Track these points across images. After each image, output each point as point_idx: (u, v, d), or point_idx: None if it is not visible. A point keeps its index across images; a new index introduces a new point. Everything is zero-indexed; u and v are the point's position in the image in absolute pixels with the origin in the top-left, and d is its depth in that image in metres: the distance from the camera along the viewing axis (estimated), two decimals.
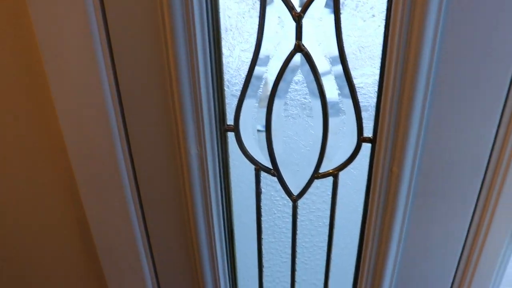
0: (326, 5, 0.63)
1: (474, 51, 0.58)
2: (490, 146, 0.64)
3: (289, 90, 0.70)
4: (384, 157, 0.66)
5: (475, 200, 0.68)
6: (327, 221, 0.77)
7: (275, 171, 0.74)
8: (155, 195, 0.79)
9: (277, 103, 0.69)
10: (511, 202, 0.67)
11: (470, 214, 0.69)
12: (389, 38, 0.59)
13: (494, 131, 0.62)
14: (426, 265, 0.75)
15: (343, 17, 0.62)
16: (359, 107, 0.66)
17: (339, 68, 0.65)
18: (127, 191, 0.77)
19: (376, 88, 0.65)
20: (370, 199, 0.70)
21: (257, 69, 0.68)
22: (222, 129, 0.73)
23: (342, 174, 0.72)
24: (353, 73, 0.65)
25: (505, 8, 0.55)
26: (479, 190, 0.67)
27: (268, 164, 0.74)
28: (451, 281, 0.77)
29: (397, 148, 0.64)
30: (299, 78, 0.69)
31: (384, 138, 0.65)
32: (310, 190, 0.75)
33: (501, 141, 0.63)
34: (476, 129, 0.63)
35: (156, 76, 0.67)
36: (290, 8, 0.63)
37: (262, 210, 0.79)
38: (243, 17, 0.68)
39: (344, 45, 0.63)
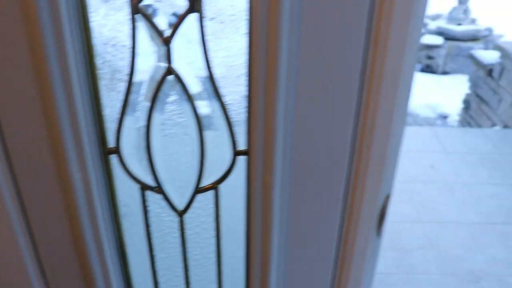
0: (193, 28, 0.67)
1: (323, 66, 0.65)
2: (349, 149, 0.71)
3: (166, 110, 0.73)
4: (257, 167, 0.71)
5: (341, 200, 0.75)
6: (213, 233, 0.81)
7: (159, 188, 0.77)
8: (44, 221, 0.78)
9: (155, 123, 0.72)
10: (373, 200, 0.75)
11: (339, 213, 0.76)
12: (251, 58, 0.64)
13: (350, 136, 0.70)
14: (306, 262, 0.82)
15: (209, 39, 0.67)
16: (231, 123, 0.71)
17: (209, 87, 0.70)
18: (14, 218, 0.76)
19: (245, 104, 0.70)
20: (249, 208, 0.75)
21: (133, 93, 0.71)
22: (104, 152, 0.74)
23: (222, 187, 0.77)
24: (223, 91, 0.70)
25: (345, 31, 0.62)
26: (344, 191, 0.74)
27: (152, 183, 0.77)
28: (330, 273, 0.84)
29: (267, 158, 0.70)
30: (173, 98, 0.72)
31: (256, 150, 0.70)
32: (194, 204, 0.78)
33: (358, 144, 0.71)
34: (334, 135, 0.70)
35: (32, 104, 0.67)
36: (159, 32, 0.66)
37: (151, 227, 0.82)
38: (116, 44, 0.71)
39: (212, 65, 0.68)
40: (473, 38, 8.28)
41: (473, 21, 8.82)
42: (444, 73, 8.45)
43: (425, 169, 3.57)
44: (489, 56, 4.97)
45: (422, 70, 8.54)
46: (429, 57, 8.36)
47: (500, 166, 3.61)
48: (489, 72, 4.93)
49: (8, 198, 0.73)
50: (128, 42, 0.67)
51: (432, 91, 7.59)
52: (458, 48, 8.29)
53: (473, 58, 5.28)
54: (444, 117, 6.89)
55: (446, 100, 7.04)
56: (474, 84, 5.33)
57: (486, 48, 8.40)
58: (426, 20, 8.77)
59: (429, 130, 4.09)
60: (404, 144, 0.77)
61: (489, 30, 8.37)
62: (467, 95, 5.50)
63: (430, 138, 3.96)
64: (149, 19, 0.66)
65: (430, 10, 9.82)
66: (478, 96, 5.20)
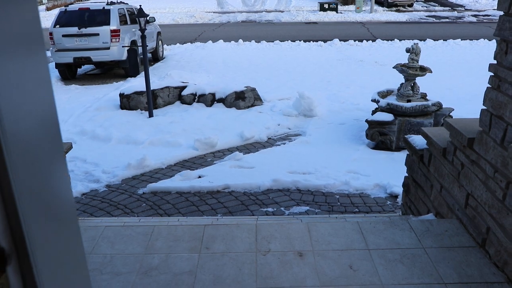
0: None
1: None
2: None
3: None
4: None
5: None
6: None
7: None
8: None
9: None
10: None
11: None
12: None
13: None
14: None
15: None
16: None
17: None
18: None
19: None
20: None
21: None
22: None
23: None
24: None
25: None
26: None
27: None
28: None
29: None
30: None
31: None
32: None
33: None
34: None
35: None
36: None
37: None
38: None
39: None
40: (423, 113, 8.45)
41: (423, 96, 9.05)
42: (398, 148, 8.53)
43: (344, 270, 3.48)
44: (420, 142, 5.03)
45: (376, 147, 8.62)
46: (382, 134, 8.47)
47: (420, 262, 3.53)
48: (421, 157, 4.96)
49: None
50: None
51: (383, 169, 7.61)
52: (409, 123, 8.44)
53: (406, 143, 5.34)
54: (394, 196, 6.87)
55: (397, 179, 7.03)
56: (410, 168, 5.36)
57: (437, 123, 8.56)
58: (377, 97, 8.99)
59: (352, 224, 4.04)
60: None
61: (439, 105, 8.57)
62: (406, 178, 5.51)
63: (352, 233, 3.90)
64: None
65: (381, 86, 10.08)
66: (414, 180, 5.21)
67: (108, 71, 17.46)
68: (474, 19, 33.71)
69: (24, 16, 0.73)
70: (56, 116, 0.81)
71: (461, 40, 22.47)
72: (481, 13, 37.30)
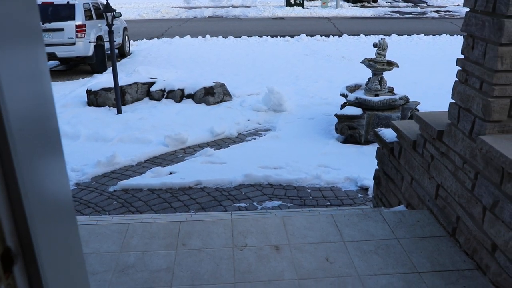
0: None
1: None
2: None
3: None
4: None
5: None
6: None
7: None
8: None
9: None
10: None
11: None
12: None
13: None
14: None
15: None
16: None
17: None
18: None
19: None
20: None
21: None
22: None
23: None
24: None
25: None
26: None
27: None
28: None
29: None
30: None
31: None
32: None
33: None
34: None
35: None
36: None
37: None
38: None
39: None
40: (391, 107, 8.61)
41: (390, 91, 9.22)
42: (367, 142, 8.68)
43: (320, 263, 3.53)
44: (390, 135, 5.13)
45: (346, 141, 8.74)
46: (351, 128, 8.59)
47: (394, 252, 3.62)
48: (391, 150, 5.07)
49: None
50: None
51: (353, 163, 7.73)
52: (377, 117, 8.59)
53: (377, 136, 5.44)
54: (365, 189, 6.99)
55: (367, 172, 7.16)
56: (380, 161, 5.46)
57: (404, 116, 8.75)
58: (346, 91, 9.11)
59: (327, 217, 4.10)
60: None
61: (406, 99, 8.75)
62: (377, 171, 5.62)
63: (327, 225, 3.96)
64: None
65: (350, 80, 10.22)
66: (385, 173, 5.31)
67: (73, 67, 17.09)
68: (436, 15, 34.46)
69: (23, 7, 0.71)
70: (55, 110, 0.81)
71: (425, 35, 22.97)
72: (442, 9, 38.17)
